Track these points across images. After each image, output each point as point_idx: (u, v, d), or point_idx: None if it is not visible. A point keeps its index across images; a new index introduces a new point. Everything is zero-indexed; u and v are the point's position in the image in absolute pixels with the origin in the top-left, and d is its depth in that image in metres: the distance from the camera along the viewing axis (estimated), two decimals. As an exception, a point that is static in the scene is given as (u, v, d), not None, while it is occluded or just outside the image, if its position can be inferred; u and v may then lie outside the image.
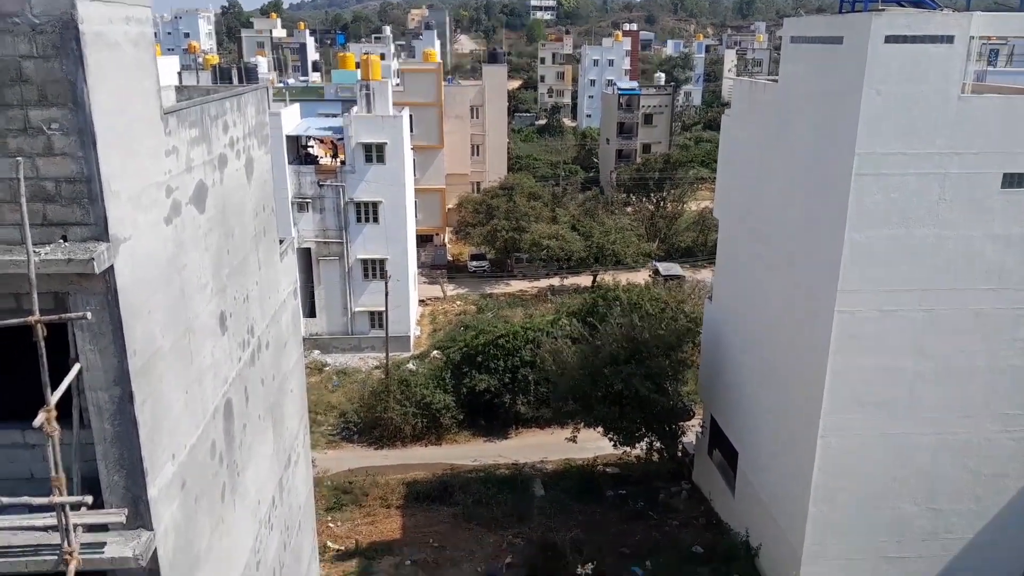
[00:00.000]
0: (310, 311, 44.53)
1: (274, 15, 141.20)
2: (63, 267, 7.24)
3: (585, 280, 55.32)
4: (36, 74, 7.06)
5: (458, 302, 53.05)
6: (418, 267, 53.98)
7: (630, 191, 70.01)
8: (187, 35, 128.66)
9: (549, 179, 76.25)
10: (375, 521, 27.38)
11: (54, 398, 7.15)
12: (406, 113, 45.94)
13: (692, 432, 29.78)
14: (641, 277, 50.22)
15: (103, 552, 8.19)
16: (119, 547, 8.23)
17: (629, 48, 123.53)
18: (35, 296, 7.01)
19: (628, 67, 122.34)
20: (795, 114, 20.56)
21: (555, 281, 55.35)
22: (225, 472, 10.83)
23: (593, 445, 30.30)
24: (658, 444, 29.12)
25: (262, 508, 12.83)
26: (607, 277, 51.12)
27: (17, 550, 8.21)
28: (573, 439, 29.45)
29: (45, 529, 8.08)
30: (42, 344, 7.04)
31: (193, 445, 9.62)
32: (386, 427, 33.79)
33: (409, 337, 45.01)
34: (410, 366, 39.36)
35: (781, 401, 21.60)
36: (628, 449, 28.98)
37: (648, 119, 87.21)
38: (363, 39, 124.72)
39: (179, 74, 46.67)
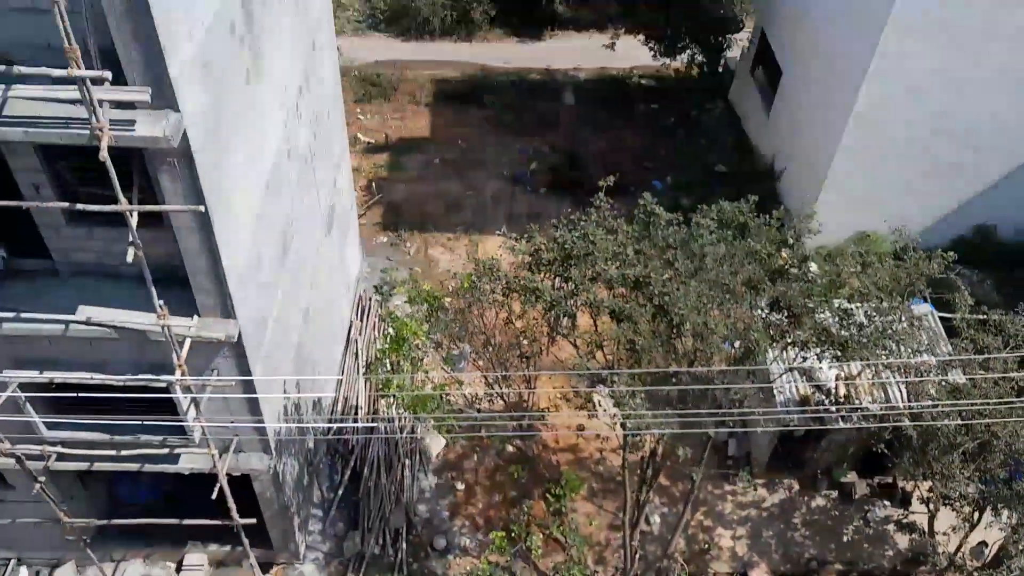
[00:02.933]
0: None
1: None
2: None
3: None
4: None
5: None
6: None
7: None
8: None
9: None
10: (404, 117, 27.38)
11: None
12: None
13: (738, 46, 28.04)
14: None
15: (133, 130, 8.07)
16: (149, 126, 8.09)
17: None
18: None
19: None
20: None
21: None
22: (248, 54, 10.26)
23: (632, 54, 28.76)
24: (700, 57, 27.63)
25: (289, 95, 12.52)
26: None
27: (47, 121, 8.10)
28: (611, 46, 27.83)
29: (72, 103, 7.86)
30: None
31: (210, 25, 8.90)
32: (414, 17, 32.00)
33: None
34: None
35: (841, 19, 19.84)
36: (668, 61, 27.62)
37: None
38: None
39: None
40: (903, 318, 12.80)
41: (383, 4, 33.50)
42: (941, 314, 16.23)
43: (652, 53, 27.56)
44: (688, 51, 27.35)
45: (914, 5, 17.14)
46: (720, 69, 28.37)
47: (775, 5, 24.24)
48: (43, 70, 7.39)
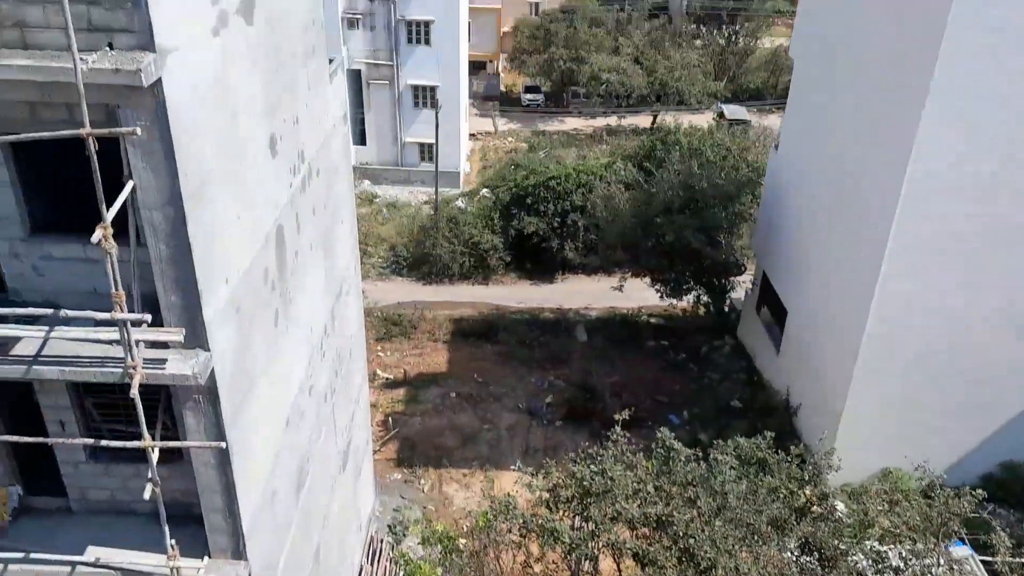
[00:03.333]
0: (360, 139, 43.93)
1: None
2: (111, 77, 6.81)
3: (644, 120, 53.17)
4: None
5: (509, 138, 51.78)
6: (470, 97, 52.32)
7: (700, 21, 65.37)
8: None
9: (614, 2, 71.29)
10: (423, 353, 28.24)
11: (110, 215, 6.97)
12: (463, -74, 42.76)
13: (741, 287, 29.43)
14: (704, 120, 47.90)
15: (164, 368, 8.36)
16: (179, 364, 8.39)
17: None
18: (84, 107, 6.65)
19: None
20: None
21: (612, 120, 53.28)
22: (278, 298, 10.88)
23: (639, 295, 30.26)
24: (705, 298, 28.89)
25: (315, 335, 13.06)
26: (668, 118, 49.03)
27: (85, 360, 8.43)
28: (619, 288, 29.37)
29: (110, 343, 8.24)
30: (94, 157, 6.77)
31: (246, 270, 9.57)
32: (434, 263, 34.10)
33: (459, 173, 44.43)
34: (459, 203, 39.12)
35: (840, 262, 20.93)
36: (674, 301, 28.87)
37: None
38: None
39: None
40: (942, 561, 12.13)
41: (406, 252, 35.86)
42: (981, 557, 15.35)
43: (659, 294, 28.85)
44: (693, 292, 28.62)
45: (911, 240, 18.04)
46: (726, 308, 29.48)
47: (774, 249, 25.70)
48: (88, 313, 7.85)
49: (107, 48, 7.00)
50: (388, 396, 25.68)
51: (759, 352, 26.78)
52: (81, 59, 6.62)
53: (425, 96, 42.82)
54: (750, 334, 27.86)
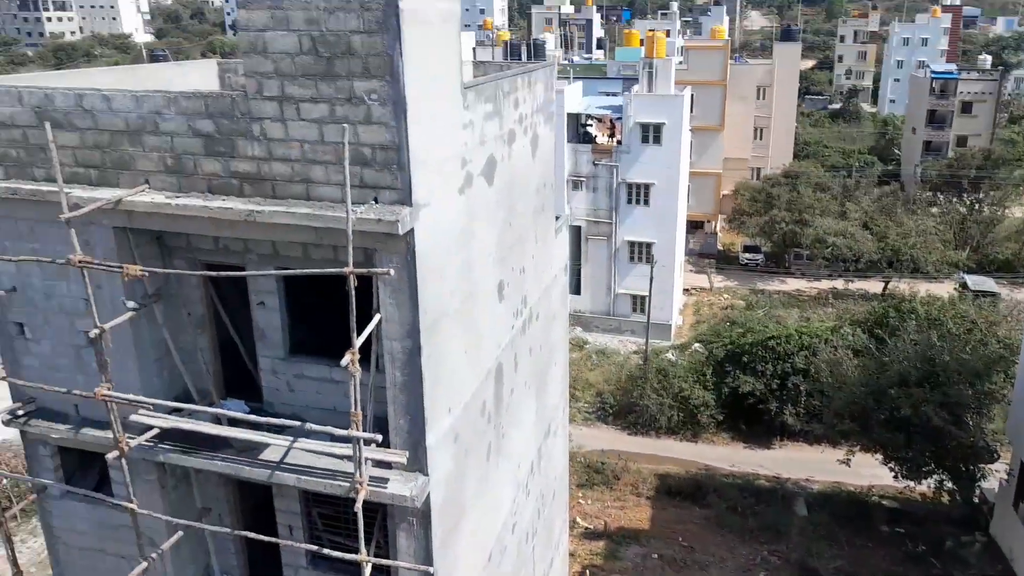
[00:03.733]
0: (575, 288, 45.64)
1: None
2: (373, 226, 7.96)
3: (874, 286, 50.31)
4: (361, 48, 7.78)
5: (725, 295, 51.14)
6: (686, 254, 52.86)
7: (937, 189, 62.02)
8: (482, 11, 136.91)
9: (840, 170, 69.99)
10: (624, 507, 27.48)
11: (358, 342, 7.91)
12: (687, 93, 44.91)
13: (994, 477, 25.78)
14: (944, 290, 44.32)
15: (385, 488, 9.00)
16: (399, 485, 9.00)
17: (948, 25, 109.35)
18: (351, 250, 7.78)
19: (945, 47, 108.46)
20: None
21: (838, 284, 50.90)
22: (492, 432, 11.40)
23: (868, 471, 27.50)
24: (950, 484, 25.52)
25: (521, 472, 13.37)
26: (902, 285, 46.02)
27: (318, 471, 9.32)
28: (846, 462, 26.70)
29: (341, 458, 9.08)
30: (352, 293, 7.80)
31: (467, 402, 10.22)
32: (641, 414, 33.69)
33: (670, 326, 44.37)
34: (669, 356, 38.82)
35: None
36: (912, 484, 25.81)
37: (966, 108, 76.57)
38: (649, 15, 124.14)
39: (473, 50, 49.61)
40: None
41: (612, 399, 35.83)
42: None
43: (893, 474, 26.00)
44: (935, 476, 25.47)
45: None
46: (976, 499, 25.88)
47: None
48: (328, 429, 8.77)
49: (372, 201, 8.24)
50: (587, 547, 25.02)
51: (1019, 556, 22.96)
52: (352, 210, 7.84)
53: (641, 251, 44.00)
54: (1007, 533, 24.07)
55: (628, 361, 40.06)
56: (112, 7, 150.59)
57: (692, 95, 47.97)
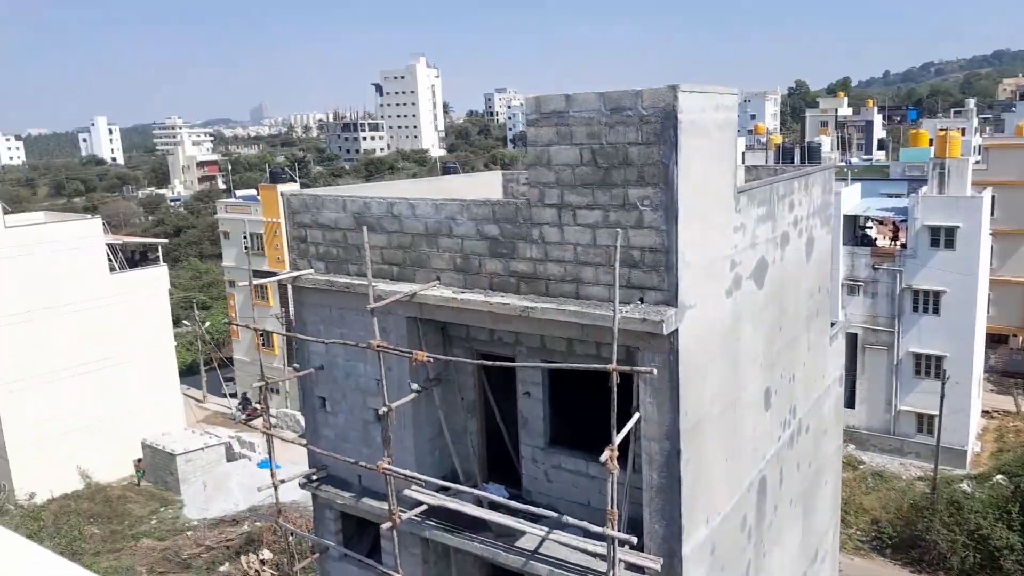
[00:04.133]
0: (849, 401, 41.80)
1: (841, 93, 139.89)
2: (638, 325, 8.12)
3: None
4: (638, 158, 8.17)
5: (1037, 421, 43.71)
6: (985, 371, 46.34)
7: None
8: (753, 117, 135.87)
9: None
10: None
11: (617, 439, 7.98)
12: (987, 194, 40.44)
13: None
14: None
15: (638, 594, 8.78)
16: (651, 594, 8.73)
17: None
18: (615, 347, 7.98)
19: None
20: None
21: None
22: (752, 550, 10.69)
23: None
24: None
25: (783, 598, 12.29)
26: None
27: (571, 566, 9.35)
28: None
29: (594, 555, 9.05)
30: (615, 389, 7.95)
31: (726, 514, 9.74)
32: (927, 550, 29.47)
33: (965, 452, 38.72)
34: (964, 486, 33.77)
35: None
36: None
37: None
38: (939, 114, 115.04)
39: (743, 154, 49.36)
40: None
41: (891, 529, 31.79)
42: None
43: None
44: None
45: None
46: None
47: None
48: (584, 524, 8.82)
49: (638, 301, 8.43)
50: None
51: None
52: (619, 309, 8.08)
53: (928, 365, 39.42)
54: None
55: (911, 488, 35.47)
56: (415, 127, 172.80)
57: (992, 196, 43.11)
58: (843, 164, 57.55)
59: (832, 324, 14.35)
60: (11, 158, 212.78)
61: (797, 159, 52.13)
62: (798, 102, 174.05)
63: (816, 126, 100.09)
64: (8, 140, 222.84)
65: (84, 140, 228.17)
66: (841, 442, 16.08)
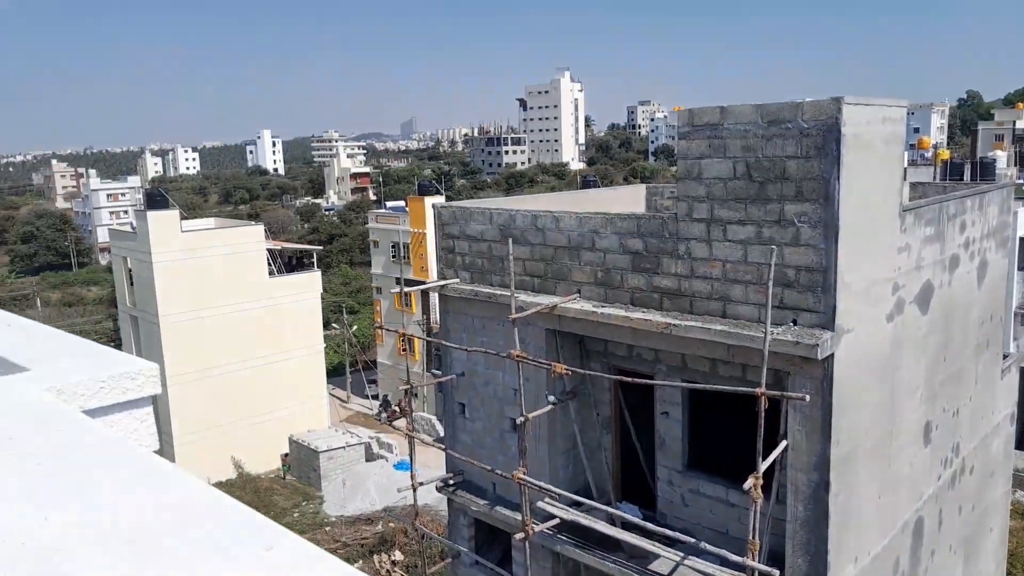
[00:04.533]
0: (1021, 442, 38.01)
1: (1020, 105, 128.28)
2: (789, 348, 7.75)
3: None
4: (796, 172, 7.82)
5: None
6: None
7: None
8: (916, 130, 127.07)
9: None
10: None
11: (762, 467, 7.64)
12: None
13: None
14: None
15: (779, 630, 8.34)
16: (794, 632, 8.28)
17: None
18: (764, 371, 7.65)
19: None
20: None
21: None
22: (906, 596, 9.92)
23: None
24: None
25: (940, 653, 11.30)
26: None
27: (711, 596, 9.03)
28: None
29: (730, 585, 8.70)
30: (762, 414, 7.62)
31: (877, 555, 9.10)
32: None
33: None
34: None
35: None
36: None
37: None
38: None
39: (904, 169, 46.16)
40: None
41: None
42: None
43: None
44: None
45: None
46: None
47: None
48: (723, 552, 8.50)
49: (791, 323, 8.05)
50: None
51: None
52: (770, 331, 7.74)
53: (1119, 408, 35.22)
54: None
55: (1094, 545, 31.63)
56: (556, 140, 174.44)
57: None
58: (1020, 182, 52.66)
59: (1004, 356, 13.12)
60: (188, 168, 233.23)
61: (967, 176, 48.22)
62: (970, 114, 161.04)
63: (990, 140, 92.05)
64: (186, 152, 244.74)
65: (251, 152, 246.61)
66: (1010, 486, 14.64)
